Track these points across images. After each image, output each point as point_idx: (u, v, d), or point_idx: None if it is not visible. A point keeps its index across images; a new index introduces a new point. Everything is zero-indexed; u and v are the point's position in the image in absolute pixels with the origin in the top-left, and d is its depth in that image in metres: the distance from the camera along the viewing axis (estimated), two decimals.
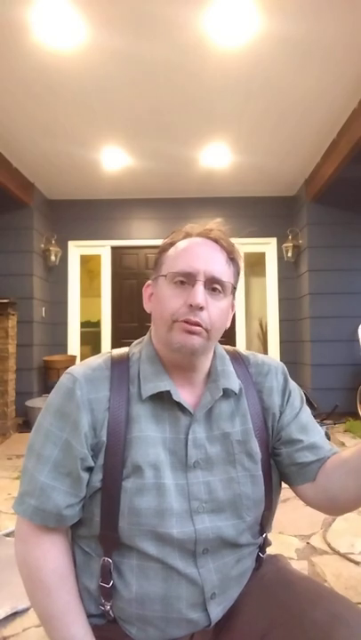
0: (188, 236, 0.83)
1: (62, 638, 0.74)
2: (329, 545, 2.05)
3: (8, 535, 2.15)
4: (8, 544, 2.07)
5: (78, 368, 0.82)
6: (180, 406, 0.80)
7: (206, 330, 0.78)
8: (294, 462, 0.85)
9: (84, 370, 0.81)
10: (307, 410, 0.91)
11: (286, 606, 0.76)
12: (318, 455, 0.84)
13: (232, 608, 0.83)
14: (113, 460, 0.76)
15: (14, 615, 1.55)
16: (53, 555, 0.77)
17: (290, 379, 0.92)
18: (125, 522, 0.75)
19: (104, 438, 0.77)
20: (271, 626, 0.76)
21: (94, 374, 0.81)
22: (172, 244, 0.84)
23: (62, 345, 5.42)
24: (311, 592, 0.78)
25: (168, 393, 0.79)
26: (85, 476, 0.77)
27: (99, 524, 0.77)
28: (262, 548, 0.89)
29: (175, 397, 0.79)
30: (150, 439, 0.78)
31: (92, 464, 0.77)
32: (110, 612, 0.78)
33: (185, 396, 0.82)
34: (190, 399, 0.83)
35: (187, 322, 0.77)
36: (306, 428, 0.87)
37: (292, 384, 0.92)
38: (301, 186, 5.10)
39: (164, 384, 0.80)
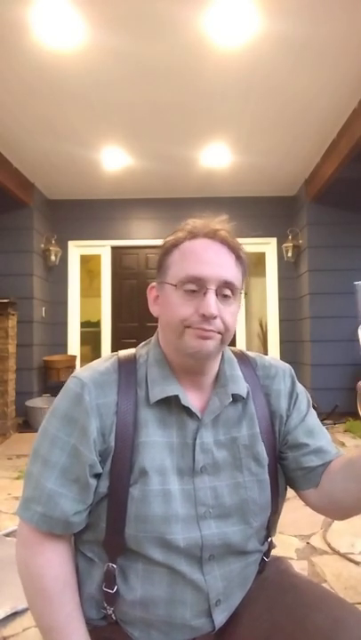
0: (192, 235, 0.79)
1: None
2: (329, 545, 2.05)
3: (8, 535, 2.15)
4: (8, 544, 2.07)
5: (86, 372, 0.80)
6: (187, 411, 0.79)
7: (220, 333, 0.76)
8: (300, 467, 0.84)
9: (91, 374, 0.79)
10: (313, 413, 0.90)
11: (288, 610, 0.76)
12: (324, 459, 0.83)
13: (234, 611, 0.82)
14: (120, 465, 0.75)
15: (14, 615, 1.55)
16: (56, 562, 0.76)
17: (297, 381, 0.91)
18: (132, 528, 0.74)
19: (112, 444, 0.75)
20: (273, 629, 0.75)
21: (102, 378, 0.79)
22: (175, 245, 0.80)
23: (62, 345, 5.42)
24: (314, 596, 0.77)
25: (176, 397, 0.78)
26: (93, 482, 0.75)
27: (104, 530, 0.76)
28: (267, 552, 0.88)
29: (184, 402, 0.78)
30: (157, 444, 0.76)
31: (100, 470, 0.75)
32: (113, 616, 0.77)
33: (193, 400, 0.80)
34: (198, 403, 0.81)
35: (201, 329, 0.75)
36: (312, 431, 0.86)
37: (300, 387, 0.91)
38: (301, 186, 5.10)
39: (171, 388, 0.78)
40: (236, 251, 0.80)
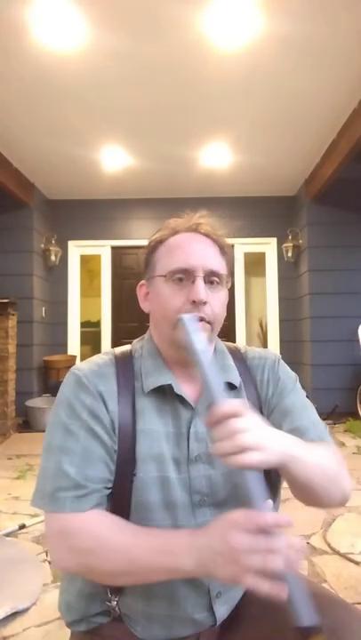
0: (175, 232, 0.83)
1: (165, 566, 0.65)
2: (329, 545, 2.05)
3: (8, 535, 2.15)
4: (8, 544, 2.07)
5: (83, 365, 0.83)
6: (181, 400, 0.81)
7: (210, 322, 0.79)
8: None
9: (89, 366, 0.82)
10: (296, 393, 0.89)
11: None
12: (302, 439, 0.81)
13: (237, 610, 0.82)
14: (123, 453, 0.76)
15: (14, 615, 1.54)
16: (96, 517, 0.72)
17: (282, 367, 0.92)
18: (134, 517, 0.75)
19: (116, 430, 0.77)
20: (276, 631, 0.75)
21: (101, 370, 0.81)
22: (160, 242, 0.84)
23: (62, 345, 5.42)
24: (318, 600, 0.77)
25: (170, 387, 0.80)
26: (114, 456, 0.76)
27: None
28: None
29: (177, 390, 0.80)
30: (155, 432, 0.78)
31: (116, 447, 0.76)
32: (117, 609, 0.77)
33: (186, 390, 0.82)
34: (191, 394, 0.83)
35: None
36: (290, 411, 0.85)
37: (284, 372, 0.91)
38: (301, 186, 5.10)
39: (164, 378, 0.81)
40: (218, 242, 0.83)
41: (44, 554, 1.95)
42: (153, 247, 0.85)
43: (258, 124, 3.76)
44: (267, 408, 0.87)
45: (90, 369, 0.81)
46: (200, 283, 0.77)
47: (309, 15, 2.51)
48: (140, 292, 0.88)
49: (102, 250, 5.57)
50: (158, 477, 0.76)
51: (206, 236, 0.82)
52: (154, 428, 0.78)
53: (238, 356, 0.91)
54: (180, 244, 0.81)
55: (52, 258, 5.20)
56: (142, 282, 0.88)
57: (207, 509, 0.78)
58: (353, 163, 3.98)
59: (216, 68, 2.99)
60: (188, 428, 0.80)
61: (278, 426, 0.83)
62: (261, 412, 0.86)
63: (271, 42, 2.72)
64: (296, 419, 0.84)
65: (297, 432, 0.82)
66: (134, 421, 0.78)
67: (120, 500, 0.75)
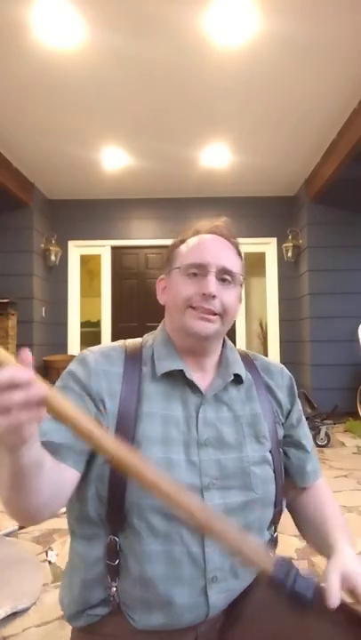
0: (197, 232, 0.89)
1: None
2: None
3: (8, 535, 2.15)
4: (8, 544, 2.07)
5: (94, 347, 0.90)
6: (191, 386, 0.85)
7: (220, 315, 0.83)
8: (298, 465, 0.93)
9: (99, 348, 0.89)
10: (305, 422, 0.99)
11: (296, 619, 0.74)
12: (312, 465, 0.95)
13: (239, 611, 0.82)
14: (122, 434, 0.78)
15: (14, 615, 1.54)
16: None
17: (295, 387, 0.99)
18: (135, 495, 0.76)
19: (115, 410, 0.80)
20: (278, 636, 0.75)
21: (109, 352, 0.87)
22: (182, 241, 0.90)
23: (62, 345, 5.43)
24: (321, 606, 0.76)
25: (181, 373, 0.84)
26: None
27: (106, 500, 0.78)
28: (273, 545, 0.90)
29: (188, 375, 0.84)
30: (160, 416, 0.81)
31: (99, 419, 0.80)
32: (116, 596, 0.78)
33: (196, 379, 0.86)
34: (201, 383, 0.86)
35: (201, 308, 0.82)
36: (301, 437, 0.96)
37: (297, 396, 0.98)
38: (301, 186, 5.10)
39: (177, 364, 0.85)
40: (235, 245, 0.90)
41: (44, 554, 1.95)
42: (175, 245, 0.91)
43: (258, 124, 3.76)
44: (279, 409, 0.93)
45: (99, 350, 0.88)
46: (211, 278, 0.83)
47: (309, 15, 2.51)
48: (159, 285, 0.94)
49: (102, 250, 5.57)
50: (162, 459, 0.78)
51: (224, 237, 0.89)
52: (160, 412, 0.82)
53: (246, 357, 0.96)
54: (198, 243, 0.87)
55: (52, 258, 5.20)
56: (162, 276, 0.94)
57: (216, 492, 0.79)
58: (353, 163, 3.98)
59: (216, 68, 2.99)
60: (197, 413, 0.83)
61: (301, 444, 0.95)
62: (273, 408, 0.91)
63: (271, 42, 2.72)
64: (304, 445, 0.96)
65: (301, 458, 0.94)
66: (138, 404, 0.81)
67: (118, 479, 0.77)
